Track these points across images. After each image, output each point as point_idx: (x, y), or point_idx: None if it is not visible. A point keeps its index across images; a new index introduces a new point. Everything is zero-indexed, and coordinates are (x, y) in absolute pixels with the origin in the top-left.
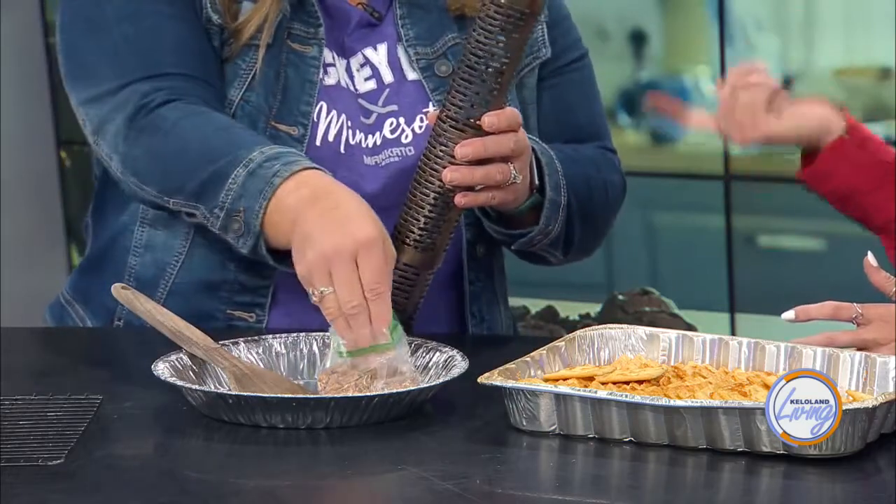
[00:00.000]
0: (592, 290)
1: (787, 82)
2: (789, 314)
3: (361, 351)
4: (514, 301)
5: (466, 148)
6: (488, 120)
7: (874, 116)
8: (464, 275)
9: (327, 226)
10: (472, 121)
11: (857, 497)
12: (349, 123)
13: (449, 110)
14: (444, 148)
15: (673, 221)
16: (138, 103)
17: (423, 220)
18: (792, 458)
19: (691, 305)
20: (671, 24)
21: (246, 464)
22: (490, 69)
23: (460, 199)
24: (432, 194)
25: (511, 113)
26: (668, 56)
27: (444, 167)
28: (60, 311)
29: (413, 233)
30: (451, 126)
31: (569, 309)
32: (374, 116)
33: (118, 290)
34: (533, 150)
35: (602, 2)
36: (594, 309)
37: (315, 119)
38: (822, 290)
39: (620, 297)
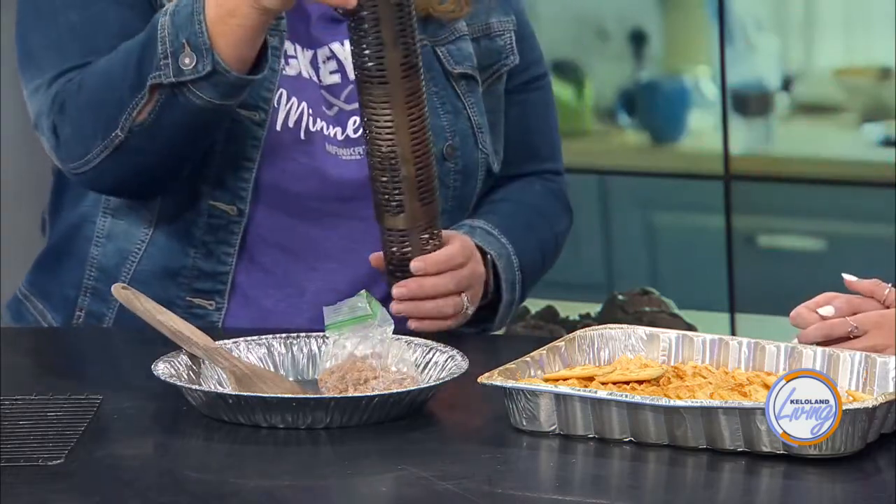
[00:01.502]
0: (592, 290)
1: (787, 82)
2: (794, 343)
3: (343, 323)
4: None
5: (402, 289)
6: (414, 265)
7: (874, 116)
8: None
9: None
10: (375, 76)
11: (857, 497)
12: (310, 111)
13: (356, 75)
14: (368, 109)
15: (673, 221)
16: (62, 87)
17: (379, 185)
18: (792, 458)
19: (691, 305)
20: (671, 24)
21: (246, 464)
22: (364, 21)
23: (411, 325)
24: (375, 160)
25: (439, 258)
26: (668, 56)
27: (374, 132)
28: (18, 307)
29: (379, 199)
30: (365, 93)
31: (569, 309)
32: (335, 110)
33: (118, 289)
34: (489, 254)
35: (602, 2)
36: (594, 309)
37: (275, 105)
38: (822, 290)
39: (620, 297)
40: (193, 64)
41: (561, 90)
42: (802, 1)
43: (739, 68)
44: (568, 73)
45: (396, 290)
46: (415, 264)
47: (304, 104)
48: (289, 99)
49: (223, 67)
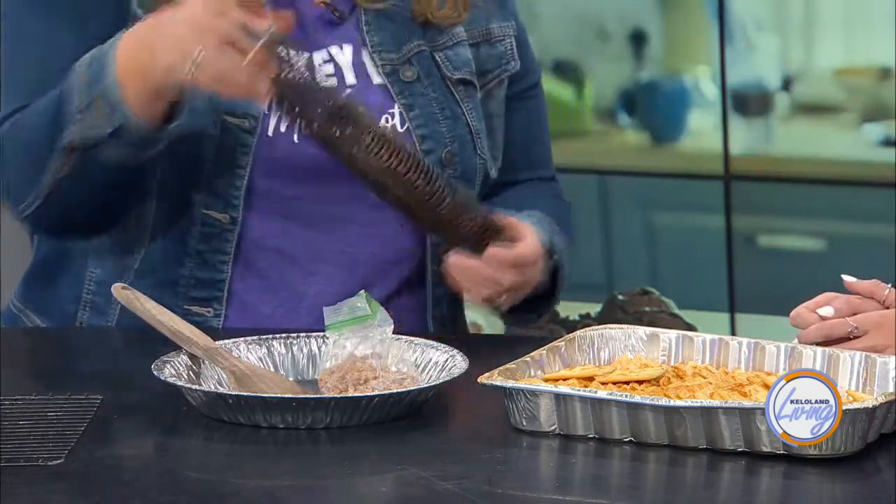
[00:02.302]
0: (592, 290)
1: (787, 82)
2: (794, 343)
3: (343, 323)
4: None
5: (454, 259)
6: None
7: (874, 116)
8: (427, 277)
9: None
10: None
11: (857, 497)
12: None
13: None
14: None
15: (673, 221)
16: (5, 131)
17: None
18: (792, 458)
19: (691, 305)
20: (671, 24)
21: (246, 464)
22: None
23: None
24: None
25: (515, 256)
26: (668, 56)
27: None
28: (13, 321)
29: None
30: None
31: (569, 309)
32: None
33: (118, 290)
34: (554, 249)
35: (602, 2)
36: (594, 309)
37: (266, 111)
38: (822, 290)
39: (620, 297)
40: (105, 119)
41: (561, 90)
42: (802, 1)
43: (739, 68)
44: (568, 73)
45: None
46: (491, 251)
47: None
48: None
49: (134, 123)
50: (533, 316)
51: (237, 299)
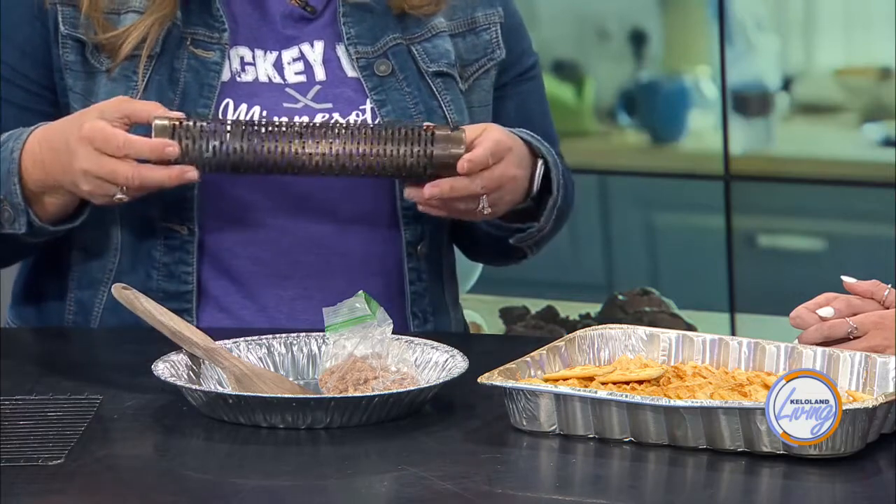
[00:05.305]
0: (592, 290)
1: (787, 82)
2: (795, 343)
3: (343, 324)
4: (514, 301)
5: (434, 189)
6: (467, 165)
7: (874, 116)
8: (404, 274)
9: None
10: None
11: (857, 497)
12: (264, 113)
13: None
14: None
15: (673, 221)
16: None
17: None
18: (792, 458)
19: (691, 305)
20: (671, 24)
21: (246, 464)
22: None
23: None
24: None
25: (482, 154)
26: (668, 56)
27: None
28: None
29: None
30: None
31: (569, 309)
32: (301, 104)
33: (119, 290)
34: (539, 151)
35: (602, 2)
36: (594, 309)
37: (220, 116)
38: (822, 290)
39: (620, 297)
40: (11, 220)
41: (561, 90)
42: (802, 1)
43: (739, 68)
44: (568, 73)
45: (429, 191)
46: (466, 164)
47: (255, 109)
48: (237, 107)
49: (39, 226)
50: (532, 226)
51: (216, 306)
